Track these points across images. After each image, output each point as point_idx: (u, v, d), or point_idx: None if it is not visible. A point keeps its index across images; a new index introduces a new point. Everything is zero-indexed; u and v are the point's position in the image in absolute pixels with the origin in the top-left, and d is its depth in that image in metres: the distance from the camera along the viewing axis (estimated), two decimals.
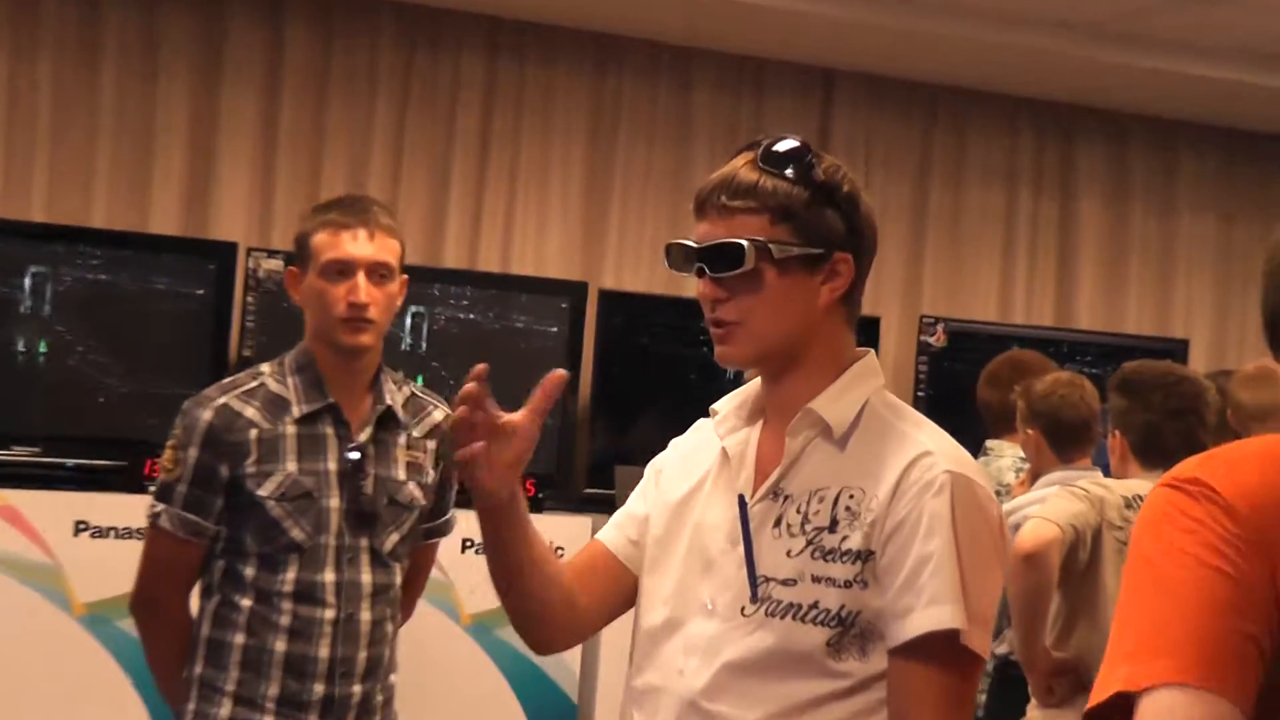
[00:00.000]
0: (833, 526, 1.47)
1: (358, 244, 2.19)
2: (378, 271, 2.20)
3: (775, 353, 1.53)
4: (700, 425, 1.67)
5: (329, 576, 2.24)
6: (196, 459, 2.22)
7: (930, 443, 1.48)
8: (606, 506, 3.87)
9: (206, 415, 2.22)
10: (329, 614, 2.24)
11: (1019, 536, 2.67)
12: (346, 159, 4.68)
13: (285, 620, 2.23)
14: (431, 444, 2.34)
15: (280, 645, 2.23)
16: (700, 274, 1.51)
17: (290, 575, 2.23)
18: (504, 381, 4.60)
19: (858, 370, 1.55)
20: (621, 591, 1.65)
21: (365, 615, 2.27)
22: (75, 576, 3.66)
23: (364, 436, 2.25)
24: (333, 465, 2.25)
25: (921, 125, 5.31)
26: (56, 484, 3.88)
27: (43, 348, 3.97)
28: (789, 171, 1.49)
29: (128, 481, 3.82)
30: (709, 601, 1.52)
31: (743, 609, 1.48)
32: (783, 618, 1.46)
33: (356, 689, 2.27)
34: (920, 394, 4.82)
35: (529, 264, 4.89)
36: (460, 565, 3.69)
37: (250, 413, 2.23)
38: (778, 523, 1.50)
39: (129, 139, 4.44)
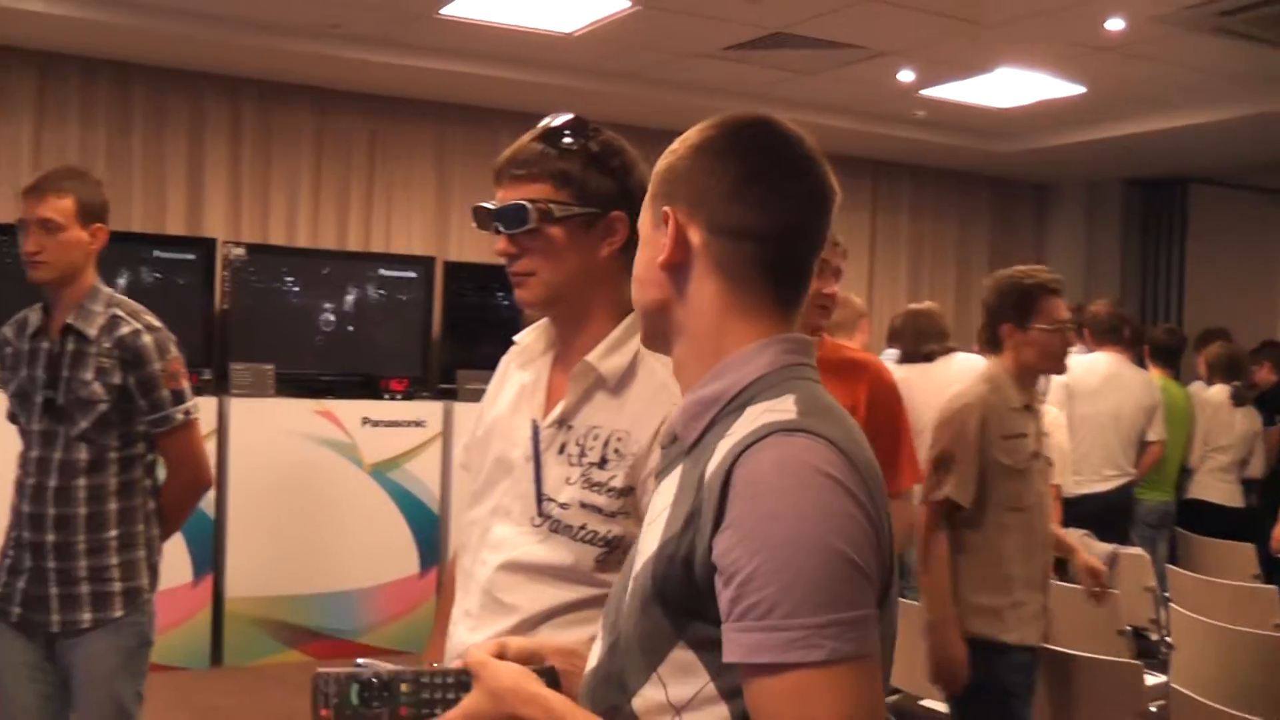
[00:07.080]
0: (602, 464, 1.50)
1: (28, 206, 2.50)
2: (45, 226, 2.48)
3: (563, 298, 1.56)
4: (507, 355, 1.72)
5: (33, 453, 2.53)
6: None
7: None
8: (451, 395, 5.73)
9: None
10: (31, 481, 2.53)
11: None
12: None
13: (19, 482, 2.58)
14: (118, 353, 2.51)
15: (16, 501, 2.58)
16: (497, 231, 1.55)
17: (24, 452, 2.57)
18: (370, 335, 6.15)
19: (635, 317, 1.43)
20: None
21: (52, 483, 2.49)
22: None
23: (62, 348, 2.51)
24: (40, 371, 2.52)
25: None
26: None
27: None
28: (567, 143, 1.53)
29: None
30: (508, 507, 1.57)
31: (532, 519, 1.53)
32: (562, 534, 1.51)
33: (50, 537, 2.50)
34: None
35: (395, 244, 6.40)
36: (361, 433, 5.53)
37: (8, 333, 2.62)
38: (562, 449, 1.53)
39: None
